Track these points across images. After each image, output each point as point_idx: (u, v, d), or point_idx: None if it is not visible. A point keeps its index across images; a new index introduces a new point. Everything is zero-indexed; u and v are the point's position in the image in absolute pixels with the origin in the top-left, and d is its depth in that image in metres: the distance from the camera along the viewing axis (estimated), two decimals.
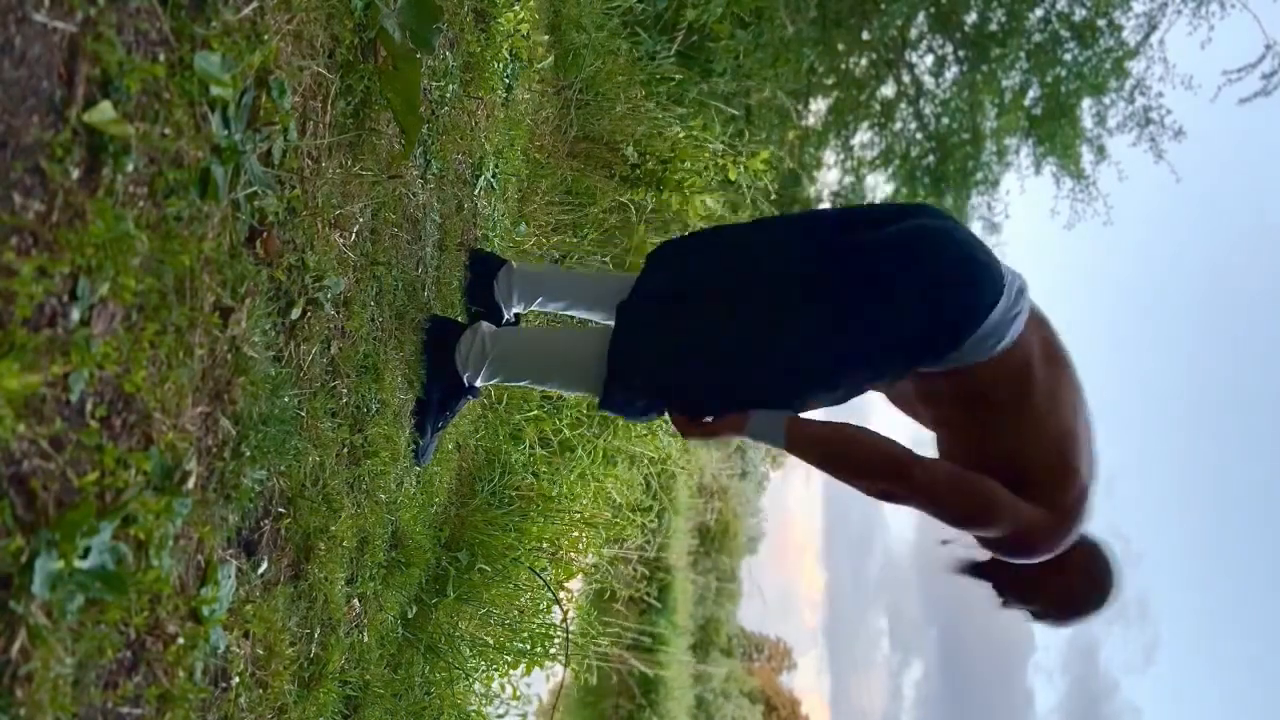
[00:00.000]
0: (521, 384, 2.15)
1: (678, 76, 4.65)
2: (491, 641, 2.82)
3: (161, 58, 0.98)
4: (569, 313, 2.29)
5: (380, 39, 1.56)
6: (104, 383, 0.92)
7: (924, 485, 1.63)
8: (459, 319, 2.24)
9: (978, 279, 1.64)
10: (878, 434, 1.69)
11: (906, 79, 8.86)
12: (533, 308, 2.29)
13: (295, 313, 1.38)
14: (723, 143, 4.26)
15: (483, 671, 2.81)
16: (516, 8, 2.82)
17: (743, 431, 1.75)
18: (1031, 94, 8.10)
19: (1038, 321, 1.72)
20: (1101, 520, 1.72)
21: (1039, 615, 1.76)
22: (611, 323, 1.93)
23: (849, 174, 9.39)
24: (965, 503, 1.62)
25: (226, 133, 1.09)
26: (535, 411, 3.33)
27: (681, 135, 4.01)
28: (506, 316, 2.30)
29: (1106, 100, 7.89)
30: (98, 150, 0.89)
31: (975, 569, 1.77)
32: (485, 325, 2.06)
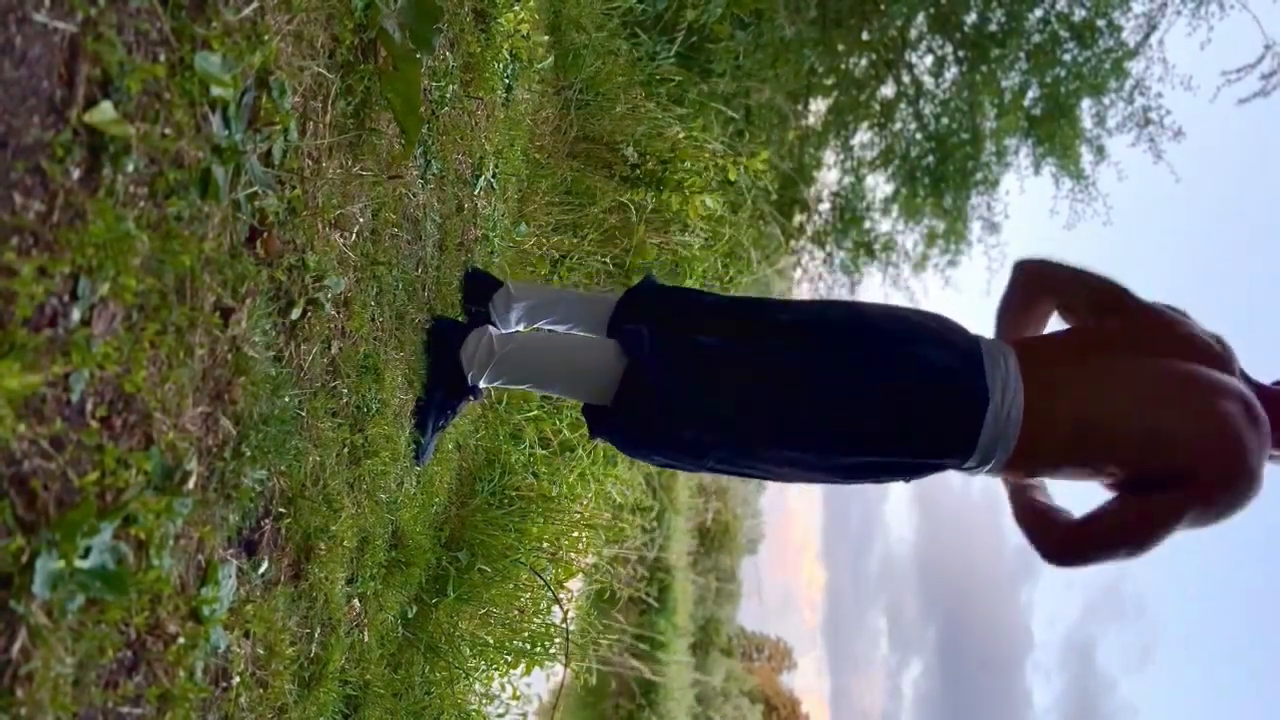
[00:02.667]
0: (524, 386, 2.17)
1: (677, 77, 4.65)
2: (491, 641, 2.82)
3: (162, 58, 0.98)
4: (569, 330, 2.29)
5: (380, 39, 1.56)
6: (104, 383, 0.92)
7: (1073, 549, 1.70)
8: (459, 320, 2.25)
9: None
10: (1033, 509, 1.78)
11: (906, 79, 8.86)
12: (534, 327, 2.29)
13: (295, 313, 1.38)
14: (722, 143, 4.26)
15: (483, 671, 2.81)
16: (516, 8, 2.82)
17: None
18: (1031, 94, 8.10)
19: (1029, 361, 1.76)
20: None
21: None
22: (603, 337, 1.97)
23: (849, 174, 9.40)
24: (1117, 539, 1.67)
25: (227, 133, 1.09)
26: (535, 411, 3.33)
27: (681, 136, 4.01)
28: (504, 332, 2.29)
29: (1106, 100, 7.89)
30: (98, 150, 0.89)
31: None
32: (492, 328, 2.10)
